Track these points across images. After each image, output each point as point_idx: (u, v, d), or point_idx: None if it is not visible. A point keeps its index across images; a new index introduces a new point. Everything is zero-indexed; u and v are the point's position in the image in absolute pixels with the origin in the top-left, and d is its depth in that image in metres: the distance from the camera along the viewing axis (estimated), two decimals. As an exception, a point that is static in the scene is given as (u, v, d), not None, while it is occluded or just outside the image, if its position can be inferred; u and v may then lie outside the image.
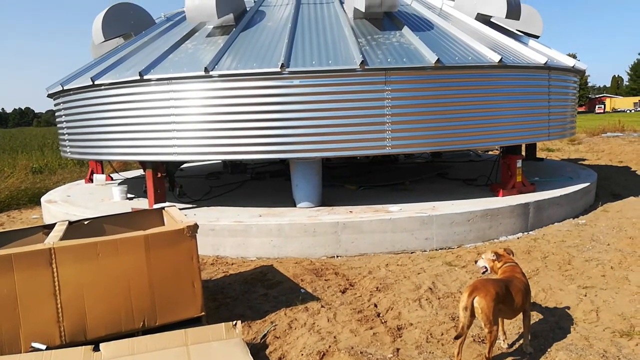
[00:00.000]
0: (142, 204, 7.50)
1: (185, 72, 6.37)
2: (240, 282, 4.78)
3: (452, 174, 9.53)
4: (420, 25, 7.29)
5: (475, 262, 3.70)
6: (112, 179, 10.78)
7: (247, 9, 7.79)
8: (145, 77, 6.49)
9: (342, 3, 7.68)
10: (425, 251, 5.88)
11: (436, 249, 5.93)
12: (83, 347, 3.10)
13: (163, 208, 4.61)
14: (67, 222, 4.11)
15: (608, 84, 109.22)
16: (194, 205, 7.29)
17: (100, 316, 3.32)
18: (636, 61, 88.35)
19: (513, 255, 3.63)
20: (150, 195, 7.14)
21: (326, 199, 7.00)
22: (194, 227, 3.61)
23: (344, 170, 10.18)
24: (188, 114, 6.45)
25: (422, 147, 6.61)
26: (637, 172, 11.42)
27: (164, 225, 4.45)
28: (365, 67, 6.06)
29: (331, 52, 6.40)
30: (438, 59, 6.12)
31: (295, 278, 4.82)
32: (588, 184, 7.80)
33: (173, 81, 6.43)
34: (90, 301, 3.30)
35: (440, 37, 6.98)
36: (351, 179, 9.06)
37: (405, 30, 6.92)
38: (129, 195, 8.32)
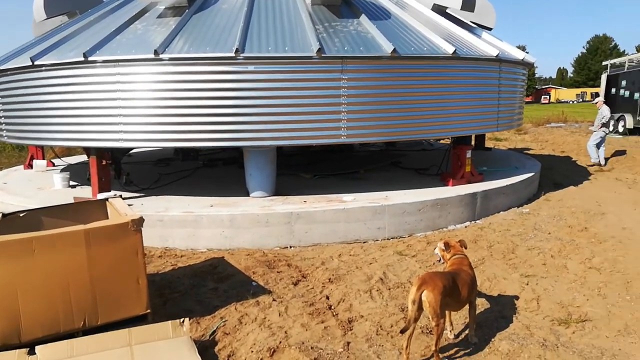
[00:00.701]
0: (85, 192, 7.14)
1: (133, 54, 6.06)
2: (189, 275, 4.65)
3: (406, 162, 9.67)
4: (378, 14, 7.27)
5: (434, 249, 3.79)
6: (53, 165, 10.21)
7: (200, -11, 7.47)
8: (90, 58, 6.12)
9: (299, -12, 7.51)
10: (377, 240, 5.95)
11: (388, 239, 6.02)
12: (17, 350, 2.92)
13: (107, 199, 4.39)
14: (-1, 215, 3.83)
15: (554, 76, 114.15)
16: (142, 194, 7.03)
17: (36, 316, 3.13)
18: (580, 54, 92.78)
19: (466, 248, 3.71)
20: (94, 184, 6.80)
21: (280, 188, 6.93)
22: (139, 221, 3.45)
23: (299, 159, 10.12)
24: (136, 99, 6.16)
25: (377, 136, 6.64)
26: (577, 162, 12.04)
27: (107, 217, 4.24)
28: (322, 55, 5.97)
29: (288, 39, 6.26)
30: (394, 48, 6.12)
31: (246, 271, 4.75)
32: (532, 174, 8.14)
33: (120, 63, 6.10)
34: (25, 301, 3.10)
35: (397, 27, 6.98)
36: (306, 168, 9.01)
37: (363, 18, 6.87)
38: (72, 183, 7.91)
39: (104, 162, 6.87)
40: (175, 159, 10.75)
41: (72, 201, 5.62)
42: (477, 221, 6.73)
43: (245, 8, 6.77)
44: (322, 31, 6.46)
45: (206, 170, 9.42)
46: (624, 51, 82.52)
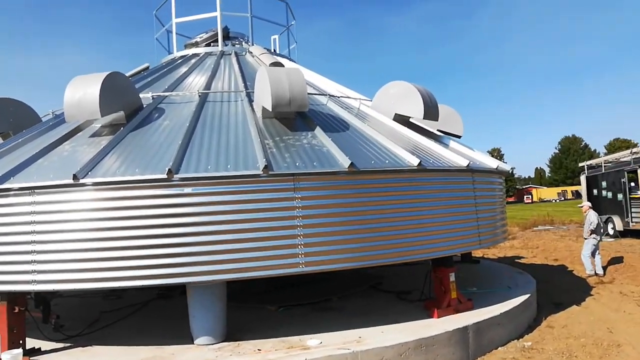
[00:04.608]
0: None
1: (51, 179, 5.24)
2: None
3: (386, 283, 8.57)
4: (335, 126, 6.70)
5: None
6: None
7: (144, 106, 6.93)
8: (2, 186, 5.28)
9: (251, 101, 7.03)
10: (347, 401, 4.66)
11: (360, 398, 4.73)
12: None
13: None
14: None
15: (532, 175, 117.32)
16: (66, 344, 5.78)
17: None
18: (554, 155, 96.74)
19: None
20: (2, 336, 5.52)
21: (234, 328, 5.79)
22: None
23: (263, 283, 8.96)
24: (54, 232, 5.21)
25: (341, 263, 5.60)
26: (574, 272, 11.01)
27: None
28: (270, 172, 5.22)
29: (232, 155, 5.55)
30: (352, 163, 5.40)
31: None
32: (528, 295, 7.02)
33: (36, 191, 5.25)
34: None
35: (356, 139, 6.37)
36: (271, 296, 7.85)
37: (318, 131, 6.27)
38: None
39: (17, 310, 5.68)
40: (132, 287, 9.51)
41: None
42: (472, 363, 5.50)
43: (187, 124, 6.15)
44: (272, 146, 5.79)
45: (159, 302, 8.21)
46: (594, 150, 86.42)
